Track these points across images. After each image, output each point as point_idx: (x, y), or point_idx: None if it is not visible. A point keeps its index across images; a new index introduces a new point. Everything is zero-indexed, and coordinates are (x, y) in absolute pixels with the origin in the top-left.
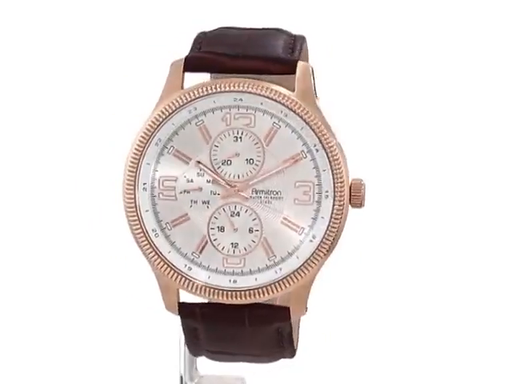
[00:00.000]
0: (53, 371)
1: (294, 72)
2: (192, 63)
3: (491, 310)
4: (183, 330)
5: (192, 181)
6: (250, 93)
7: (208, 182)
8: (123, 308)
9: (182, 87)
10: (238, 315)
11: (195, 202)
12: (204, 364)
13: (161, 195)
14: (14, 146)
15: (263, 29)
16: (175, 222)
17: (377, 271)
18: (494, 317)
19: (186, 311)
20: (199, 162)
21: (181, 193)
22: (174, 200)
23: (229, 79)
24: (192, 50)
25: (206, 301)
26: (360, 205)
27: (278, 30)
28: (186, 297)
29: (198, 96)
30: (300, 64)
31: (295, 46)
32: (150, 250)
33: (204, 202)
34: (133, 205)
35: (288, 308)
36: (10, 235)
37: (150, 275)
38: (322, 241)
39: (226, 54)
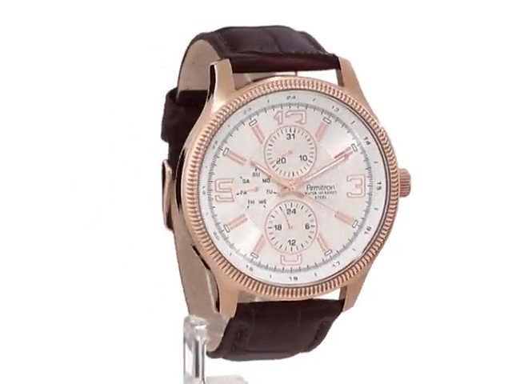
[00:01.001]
0: (53, 371)
1: (336, 67)
2: (240, 64)
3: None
4: (228, 332)
5: (248, 181)
6: (303, 89)
7: (264, 181)
8: (123, 308)
9: (236, 88)
10: (291, 312)
11: (252, 202)
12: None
13: (218, 198)
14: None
15: (275, 26)
16: (233, 223)
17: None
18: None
19: (241, 312)
20: (254, 162)
21: (238, 194)
22: (231, 201)
23: (281, 77)
24: (222, 50)
25: (255, 300)
26: (407, 194)
27: (286, 27)
28: None
29: (253, 97)
30: (341, 59)
31: (315, 41)
32: (214, 253)
33: (261, 202)
34: (196, 209)
35: (342, 301)
36: (10, 235)
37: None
38: (378, 231)
39: (268, 53)
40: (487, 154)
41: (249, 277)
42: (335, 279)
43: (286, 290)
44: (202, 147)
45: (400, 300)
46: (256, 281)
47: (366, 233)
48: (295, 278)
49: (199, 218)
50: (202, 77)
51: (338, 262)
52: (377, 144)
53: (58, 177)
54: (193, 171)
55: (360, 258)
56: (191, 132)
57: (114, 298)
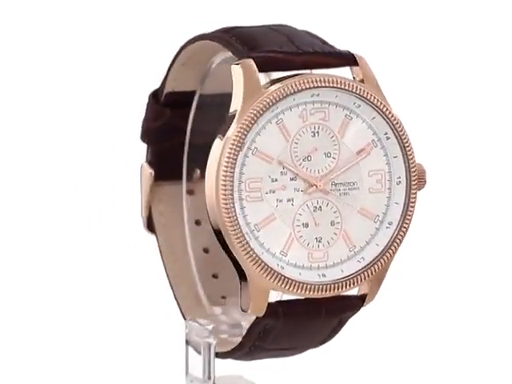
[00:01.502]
0: (52, 374)
1: (353, 64)
2: (266, 63)
3: None
4: (252, 331)
5: (276, 180)
6: (327, 87)
7: (291, 179)
8: (121, 311)
9: (263, 88)
10: (316, 309)
11: (280, 200)
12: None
13: (248, 198)
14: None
15: (279, 25)
16: (263, 223)
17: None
18: None
19: (269, 311)
20: (282, 161)
21: (267, 193)
22: (260, 201)
23: (306, 76)
24: (239, 50)
25: (279, 298)
26: (422, 188)
27: (288, 26)
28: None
29: (282, 96)
30: (357, 56)
31: (323, 40)
32: (248, 254)
33: (289, 200)
34: (230, 210)
35: (364, 296)
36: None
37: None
38: (399, 226)
39: (289, 52)
40: (495, 150)
41: (281, 275)
42: (361, 275)
43: (315, 287)
44: (235, 147)
45: (408, 297)
46: (288, 279)
47: (387, 228)
48: (323, 275)
49: (234, 218)
50: (192, 78)
51: (363, 258)
52: (396, 139)
53: (42, 177)
54: (226, 171)
55: (384, 253)
56: (218, 135)
57: (112, 299)
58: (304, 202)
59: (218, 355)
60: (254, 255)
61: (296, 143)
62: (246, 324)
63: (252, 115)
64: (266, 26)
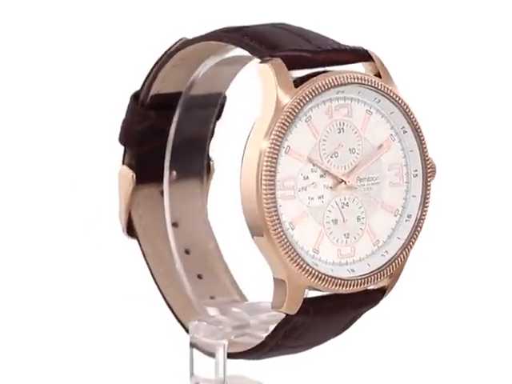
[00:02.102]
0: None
1: (367, 59)
2: (293, 61)
3: None
4: (280, 330)
5: (308, 177)
6: (351, 84)
7: (321, 176)
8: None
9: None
10: (341, 304)
11: (312, 198)
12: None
13: (283, 196)
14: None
15: (282, 23)
16: (296, 220)
17: None
18: None
19: (302, 308)
20: (312, 158)
21: (299, 191)
22: (293, 199)
23: (332, 74)
24: (258, 50)
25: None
26: (433, 180)
27: (289, 24)
28: None
29: (314, 94)
30: (370, 51)
31: (330, 38)
32: (287, 253)
33: (319, 197)
34: (273, 210)
35: (383, 289)
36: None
37: None
38: (417, 218)
39: (311, 50)
40: (496, 145)
41: (317, 272)
42: (386, 269)
43: (346, 282)
44: (274, 146)
45: (411, 294)
46: (323, 275)
47: (406, 221)
48: (352, 271)
49: (275, 218)
50: (180, 79)
51: (387, 252)
52: (413, 132)
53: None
54: (267, 171)
55: (405, 246)
56: (253, 133)
57: (110, 302)
58: (333, 198)
59: (230, 356)
60: (294, 253)
61: (324, 140)
62: (255, 322)
63: (288, 113)
64: (269, 24)
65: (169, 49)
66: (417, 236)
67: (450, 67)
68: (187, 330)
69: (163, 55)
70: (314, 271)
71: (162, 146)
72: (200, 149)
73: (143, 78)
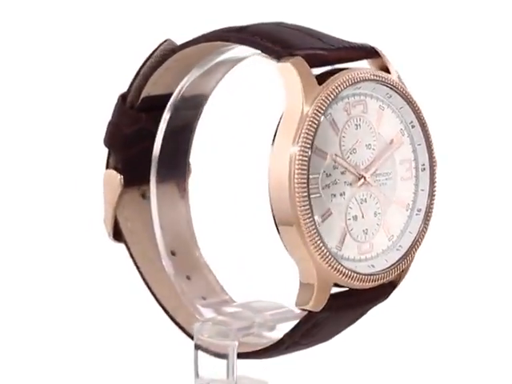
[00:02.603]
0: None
1: (374, 56)
2: (312, 60)
3: None
4: (302, 327)
5: (330, 175)
6: (368, 80)
7: (342, 173)
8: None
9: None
10: (359, 298)
11: (334, 195)
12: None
13: (311, 194)
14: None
15: (280, 22)
16: (322, 218)
17: None
18: None
19: (326, 305)
20: (334, 156)
21: (323, 188)
22: (319, 197)
23: (352, 71)
24: (274, 50)
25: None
26: None
27: (289, 23)
28: None
29: (337, 92)
30: (377, 48)
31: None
32: (318, 251)
33: (341, 194)
34: (308, 209)
35: (394, 284)
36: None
37: None
38: (427, 212)
39: (326, 48)
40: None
41: (344, 268)
42: (401, 263)
43: (368, 278)
44: (305, 145)
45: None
46: (349, 271)
47: (417, 215)
48: (372, 266)
49: (310, 216)
50: (172, 81)
51: (401, 246)
52: (420, 127)
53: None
54: (300, 169)
55: (416, 240)
56: (280, 134)
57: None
58: (353, 195)
59: (240, 356)
60: (325, 250)
61: (344, 137)
62: (261, 321)
63: (316, 112)
64: (270, 23)
65: (154, 51)
66: (426, 229)
67: (445, 63)
68: (185, 332)
69: (150, 57)
70: (341, 268)
71: (149, 148)
72: (184, 150)
73: (127, 80)
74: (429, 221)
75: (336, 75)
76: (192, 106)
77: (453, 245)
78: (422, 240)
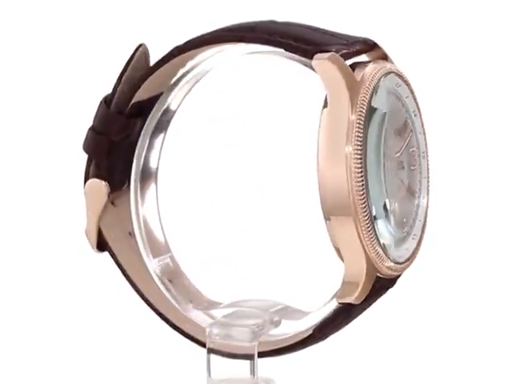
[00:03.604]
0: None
1: (376, 47)
2: (346, 56)
3: None
4: (337, 319)
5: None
6: (392, 72)
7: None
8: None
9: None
10: (381, 287)
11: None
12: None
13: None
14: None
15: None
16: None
17: None
18: None
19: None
20: (378, 145)
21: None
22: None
23: (379, 64)
24: (301, 49)
25: None
26: None
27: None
28: None
29: (375, 84)
30: (374, 40)
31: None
32: (371, 240)
33: (384, 183)
34: (364, 199)
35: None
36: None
37: None
38: (427, 200)
39: (346, 44)
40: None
41: (387, 258)
42: (416, 251)
43: (400, 267)
44: (358, 136)
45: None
46: (390, 261)
47: (422, 203)
48: (400, 256)
49: (367, 209)
50: (161, 84)
51: (415, 235)
52: (420, 116)
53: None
54: (356, 162)
55: (424, 228)
56: (328, 131)
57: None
58: (390, 183)
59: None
60: (375, 241)
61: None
62: (268, 317)
63: (364, 104)
64: (273, 22)
65: (132, 56)
66: (427, 218)
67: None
68: (183, 332)
69: (130, 62)
70: (386, 259)
71: (130, 154)
72: (157, 154)
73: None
74: (428, 210)
75: (367, 70)
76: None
77: (451, 244)
78: (425, 229)
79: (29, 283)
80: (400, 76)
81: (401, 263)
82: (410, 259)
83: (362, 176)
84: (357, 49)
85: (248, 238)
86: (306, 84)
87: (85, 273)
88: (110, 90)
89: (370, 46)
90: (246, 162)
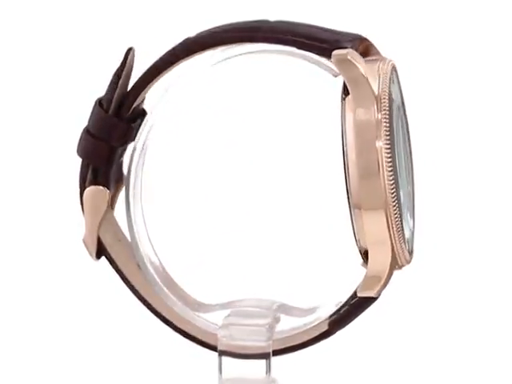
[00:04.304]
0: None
1: (367, 43)
2: (361, 52)
3: None
4: (351, 316)
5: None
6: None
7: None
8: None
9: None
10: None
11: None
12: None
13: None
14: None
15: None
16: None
17: None
18: None
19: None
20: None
21: None
22: None
23: (384, 60)
24: (317, 46)
25: None
26: None
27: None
28: None
29: (390, 77)
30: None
31: None
32: (400, 235)
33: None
34: (396, 195)
35: None
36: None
37: None
38: (414, 194)
39: (349, 41)
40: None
41: (408, 251)
42: (413, 243)
43: (410, 259)
44: (387, 129)
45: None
46: (410, 254)
47: (413, 198)
48: (411, 249)
49: (397, 201)
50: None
51: (411, 227)
52: (404, 109)
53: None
54: (388, 156)
55: (414, 221)
56: (358, 126)
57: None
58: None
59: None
60: (401, 234)
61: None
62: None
63: (386, 97)
64: (273, 21)
65: (124, 61)
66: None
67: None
68: (183, 334)
69: (123, 67)
70: (405, 251)
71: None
72: (144, 158)
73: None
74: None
75: (379, 64)
76: None
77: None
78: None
79: (28, 295)
80: (395, 69)
81: (410, 255)
82: (412, 251)
83: (392, 169)
84: (359, 45)
85: (242, 237)
86: (316, 82)
87: (83, 279)
88: (96, 93)
89: (369, 43)
90: (246, 162)
